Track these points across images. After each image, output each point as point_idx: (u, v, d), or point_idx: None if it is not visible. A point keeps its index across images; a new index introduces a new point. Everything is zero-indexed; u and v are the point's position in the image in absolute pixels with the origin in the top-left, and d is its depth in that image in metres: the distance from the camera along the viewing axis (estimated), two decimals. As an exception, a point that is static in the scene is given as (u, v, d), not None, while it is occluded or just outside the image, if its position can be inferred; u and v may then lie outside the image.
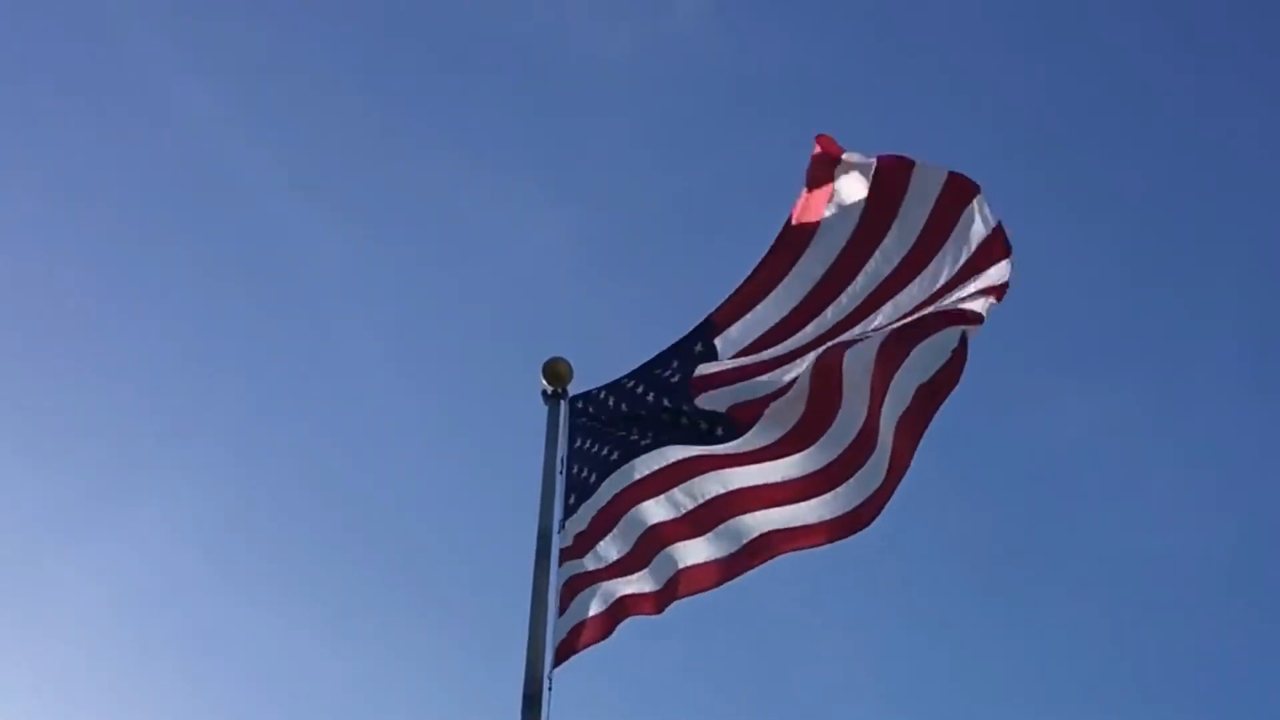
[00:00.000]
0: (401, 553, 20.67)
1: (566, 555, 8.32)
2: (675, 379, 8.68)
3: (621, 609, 8.31)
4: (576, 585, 8.27)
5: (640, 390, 8.78)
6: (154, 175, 20.43)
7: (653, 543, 8.41)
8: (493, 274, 21.07)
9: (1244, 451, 21.82)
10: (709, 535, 8.37)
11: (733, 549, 8.33)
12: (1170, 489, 21.62)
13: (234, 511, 20.91)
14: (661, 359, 8.83)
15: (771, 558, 8.34)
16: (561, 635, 8.02)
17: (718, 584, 8.38)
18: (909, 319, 8.34)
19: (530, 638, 7.81)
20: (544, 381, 8.90)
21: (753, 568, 8.36)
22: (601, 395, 8.89)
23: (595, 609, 8.24)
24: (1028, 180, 21.67)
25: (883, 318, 8.50)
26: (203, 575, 20.64)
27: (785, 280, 8.82)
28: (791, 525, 8.29)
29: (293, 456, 21.13)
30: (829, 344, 8.37)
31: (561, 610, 8.10)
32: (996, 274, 8.29)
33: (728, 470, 8.42)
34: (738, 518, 8.35)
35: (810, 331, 8.64)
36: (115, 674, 20.46)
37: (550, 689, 7.61)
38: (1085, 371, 21.84)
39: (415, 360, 21.05)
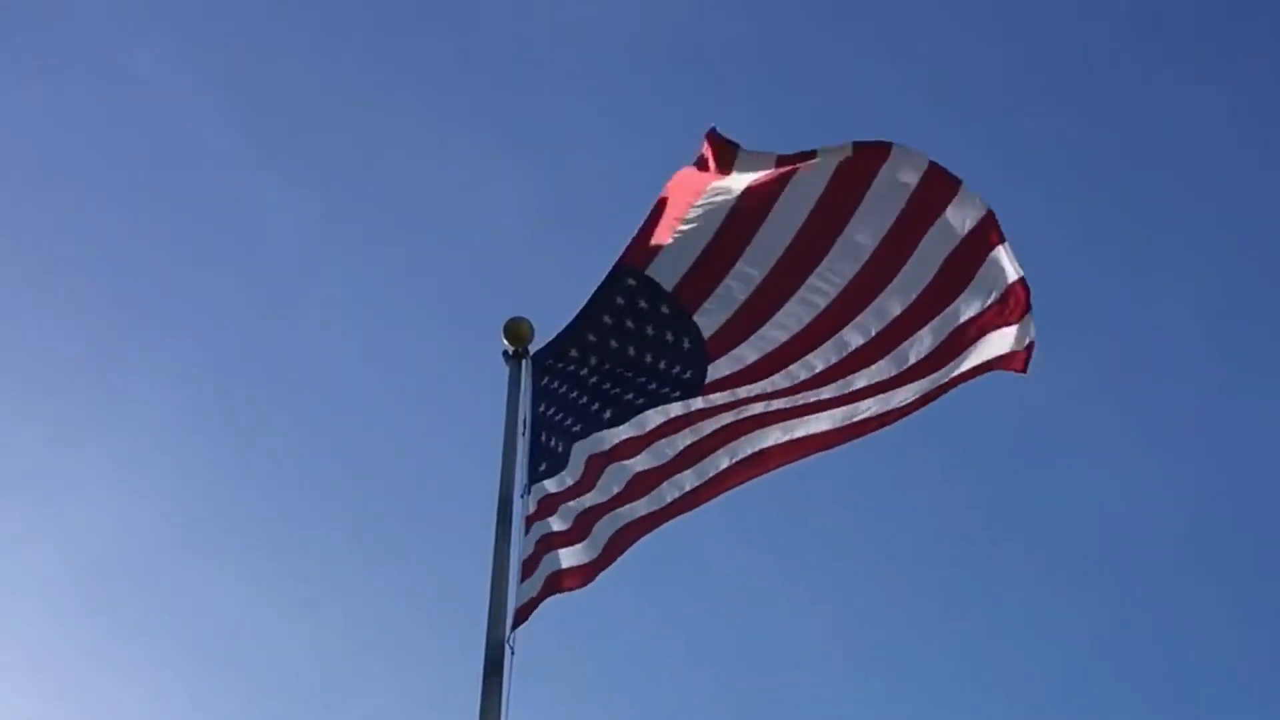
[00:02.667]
0: (362, 515, 20.54)
1: (533, 520, 8.20)
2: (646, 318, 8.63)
3: (562, 579, 8.25)
4: (540, 552, 8.17)
5: (595, 343, 8.70)
6: (109, 139, 20.16)
7: (607, 508, 8.47)
8: (451, 235, 20.92)
9: (1200, 416, 21.92)
10: (664, 485, 8.54)
11: (688, 488, 8.54)
12: (1127, 453, 21.70)
13: (190, 476, 20.73)
14: (606, 305, 8.72)
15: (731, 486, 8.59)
16: (522, 600, 7.90)
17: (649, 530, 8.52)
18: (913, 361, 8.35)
19: (491, 602, 7.72)
20: (505, 341, 8.80)
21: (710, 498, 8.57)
22: (562, 358, 8.78)
23: (544, 575, 8.13)
24: (985, 143, 21.68)
25: (863, 328, 8.42)
26: (159, 535, 20.45)
27: (743, 251, 8.60)
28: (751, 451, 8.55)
29: (250, 418, 20.92)
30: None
31: (525, 576, 7.98)
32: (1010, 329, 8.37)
33: (694, 425, 8.58)
34: (706, 458, 8.53)
35: (786, 323, 8.54)
36: (71, 629, 20.24)
37: (513, 653, 7.52)
38: (1043, 335, 21.82)
39: (374, 322, 20.90)
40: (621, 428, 8.61)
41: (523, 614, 7.84)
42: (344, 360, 20.63)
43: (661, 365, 8.62)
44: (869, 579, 21.18)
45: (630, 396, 8.64)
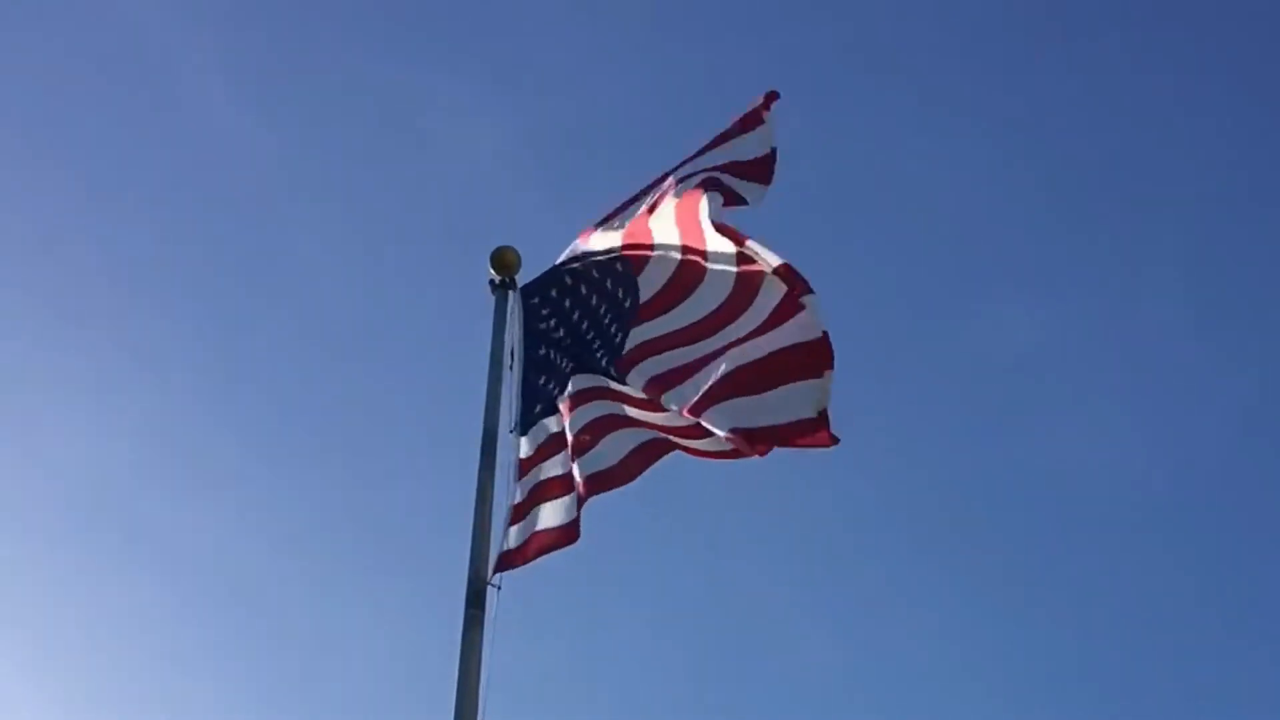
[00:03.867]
0: (345, 448, 20.42)
1: (528, 465, 8.02)
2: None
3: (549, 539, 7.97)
4: (531, 501, 7.96)
5: (585, 290, 8.52)
6: (92, 73, 19.94)
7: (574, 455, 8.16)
8: (436, 167, 20.79)
9: (1180, 378, 21.92)
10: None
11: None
12: (1107, 406, 21.70)
13: (168, 408, 20.58)
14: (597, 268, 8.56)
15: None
16: (511, 544, 7.71)
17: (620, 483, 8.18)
18: None
19: (475, 535, 7.59)
20: (492, 271, 8.64)
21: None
22: (554, 293, 8.60)
23: (546, 522, 7.92)
24: (971, 95, 21.60)
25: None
26: (135, 466, 20.30)
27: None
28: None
29: (230, 348, 20.77)
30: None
31: (513, 521, 7.79)
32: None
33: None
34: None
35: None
36: (48, 567, 20.12)
37: (499, 588, 7.41)
38: (1027, 286, 21.83)
39: (360, 253, 20.74)
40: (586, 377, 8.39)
41: (507, 561, 7.65)
42: (328, 295, 20.51)
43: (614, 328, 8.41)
44: (845, 526, 21.16)
45: (594, 349, 8.43)
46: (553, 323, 8.52)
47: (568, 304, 8.55)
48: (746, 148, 8.62)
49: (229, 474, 20.55)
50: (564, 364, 8.44)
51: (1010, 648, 20.98)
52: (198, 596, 20.36)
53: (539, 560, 7.85)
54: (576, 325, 8.51)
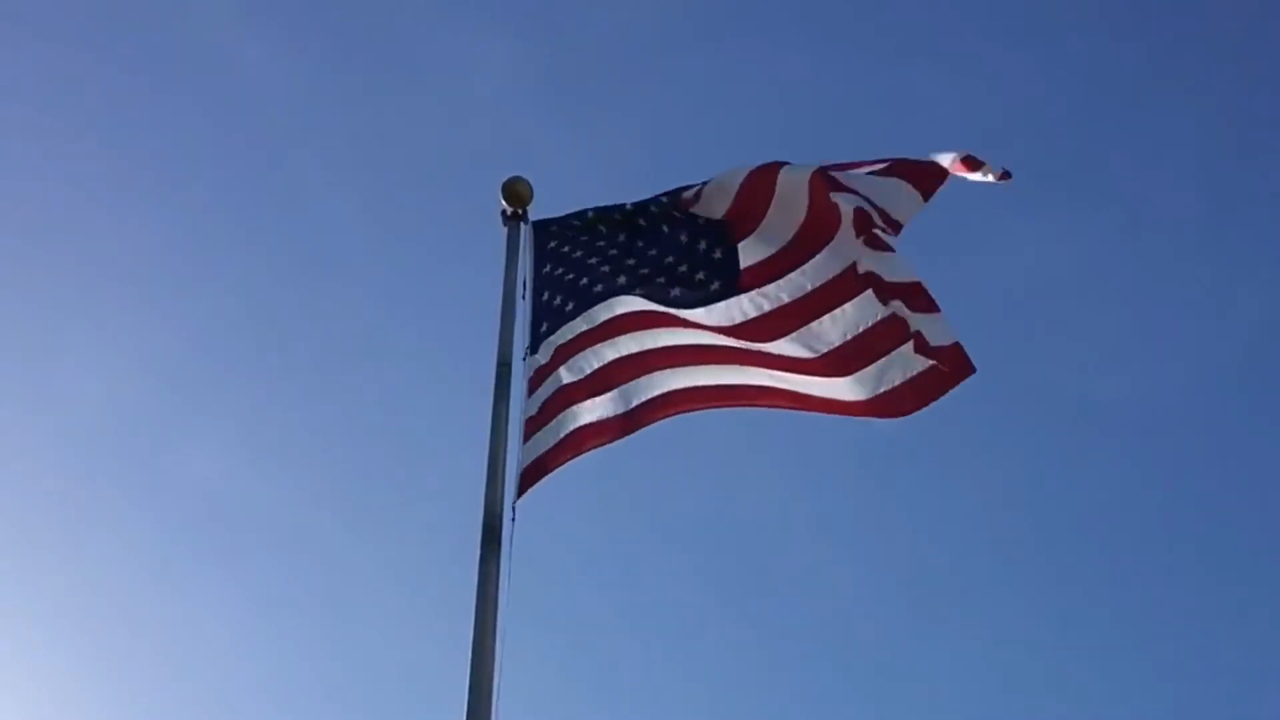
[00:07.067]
0: (357, 384, 20.30)
1: (540, 376, 7.94)
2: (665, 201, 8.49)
3: (586, 437, 7.92)
4: (551, 412, 7.89)
5: (609, 226, 8.53)
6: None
7: (627, 370, 8.09)
8: (442, 100, 20.55)
9: (1196, 294, 21.74)
10: (687, 370, 8.11)
11: (705, 385, 8.11)
12: (1120, 331, 21.52)
13: (179, 344, 20.46)
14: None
15: (740, 406, 8.20)
16: (526, 461, 7.65)
17: (680, 412, 8.12)
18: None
19: (489, 468, 7.52)
20: (503, 202, 8.57)
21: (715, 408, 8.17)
22: (568, 225, 8.57)
23: (563, 432, 7.85)
24: (990, 16, 21.33)
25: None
26: (146, 401, 20.19)
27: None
28: (775, 386, 8.09)
29: (240, 283, 20.54)
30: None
31: (528, 436, 7.72)
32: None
33: (720, 338, 8.15)
34: (725, 365, 8.12)
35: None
36: (64, 508, 20.07)
37: (514, 520, 7.33)
38: (1040, 209, 21.63)
39: (367, 186, 20.49)
40: (636, 298, 8.25)
41: (530, 476, 7.59)
42: (337, 228, 20.30)
43: (683, 269, 8.32)
44: (853, 454, 21.02)
45: (644, 274, 8.33)
46: (566, 249, 8.44)
47: (585, 238, 8.47)
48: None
49: (238, 410, 20.46)
50: (584, 283, 8.31)
51: (1029, 571, 20.98)
52: (209, 534, 20.35)
53: (556, 494, 7.81)
54: (598, 246, 8.45)
